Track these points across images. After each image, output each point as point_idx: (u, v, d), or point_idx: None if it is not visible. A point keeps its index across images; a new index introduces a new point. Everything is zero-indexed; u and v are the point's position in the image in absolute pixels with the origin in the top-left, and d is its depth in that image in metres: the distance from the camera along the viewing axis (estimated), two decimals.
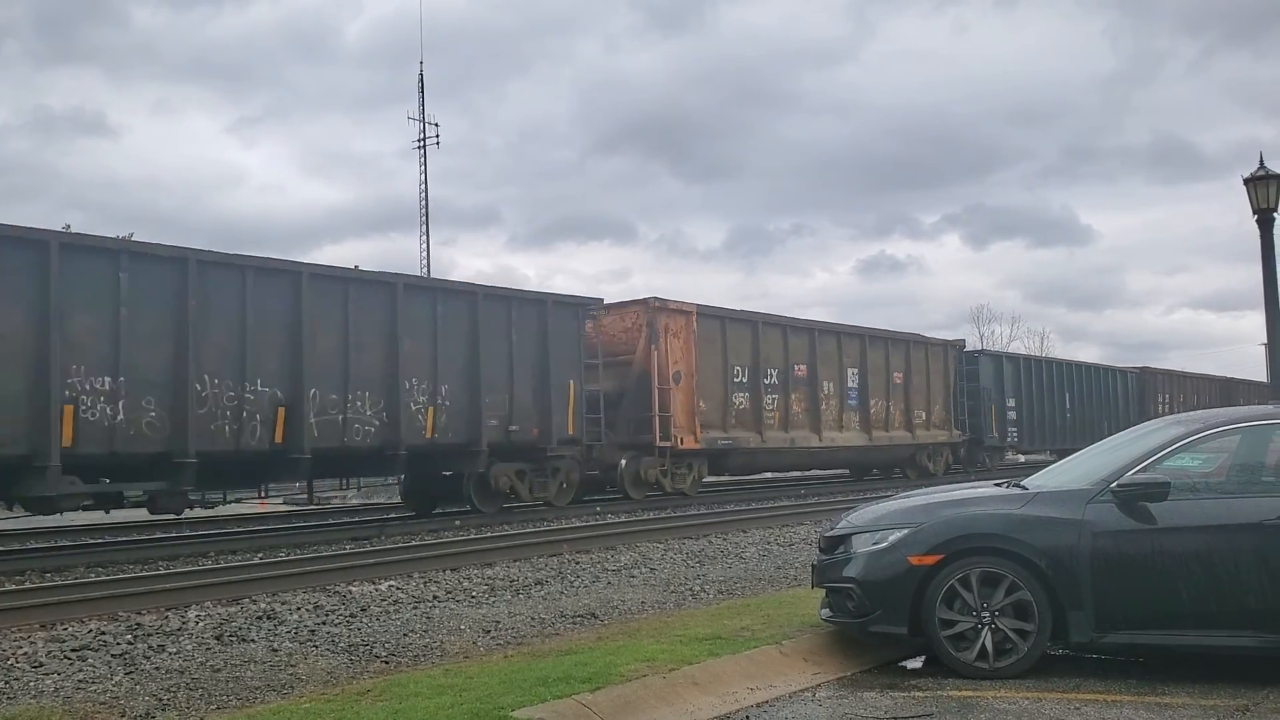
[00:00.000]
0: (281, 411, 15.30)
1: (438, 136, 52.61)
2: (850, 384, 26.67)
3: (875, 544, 6.97)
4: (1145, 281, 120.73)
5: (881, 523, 7.16)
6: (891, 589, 6.78)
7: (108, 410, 13.50)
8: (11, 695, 6.38)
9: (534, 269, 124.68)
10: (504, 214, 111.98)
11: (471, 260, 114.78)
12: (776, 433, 24.45)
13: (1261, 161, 14.97)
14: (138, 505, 15.05)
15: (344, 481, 20.98)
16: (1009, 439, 32.75)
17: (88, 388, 13.34)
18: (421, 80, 51.35)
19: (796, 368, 25.10)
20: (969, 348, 33.14)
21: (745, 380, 23.71)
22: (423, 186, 51.20)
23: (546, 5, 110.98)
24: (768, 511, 18.82)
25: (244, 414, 14.91)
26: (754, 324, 24.18)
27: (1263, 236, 15.08)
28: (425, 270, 47.68)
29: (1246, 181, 15.07)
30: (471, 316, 18.01)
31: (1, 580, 11.84)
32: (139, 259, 13.92)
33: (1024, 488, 7.20)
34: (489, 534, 16.19)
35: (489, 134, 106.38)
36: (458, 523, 17.86)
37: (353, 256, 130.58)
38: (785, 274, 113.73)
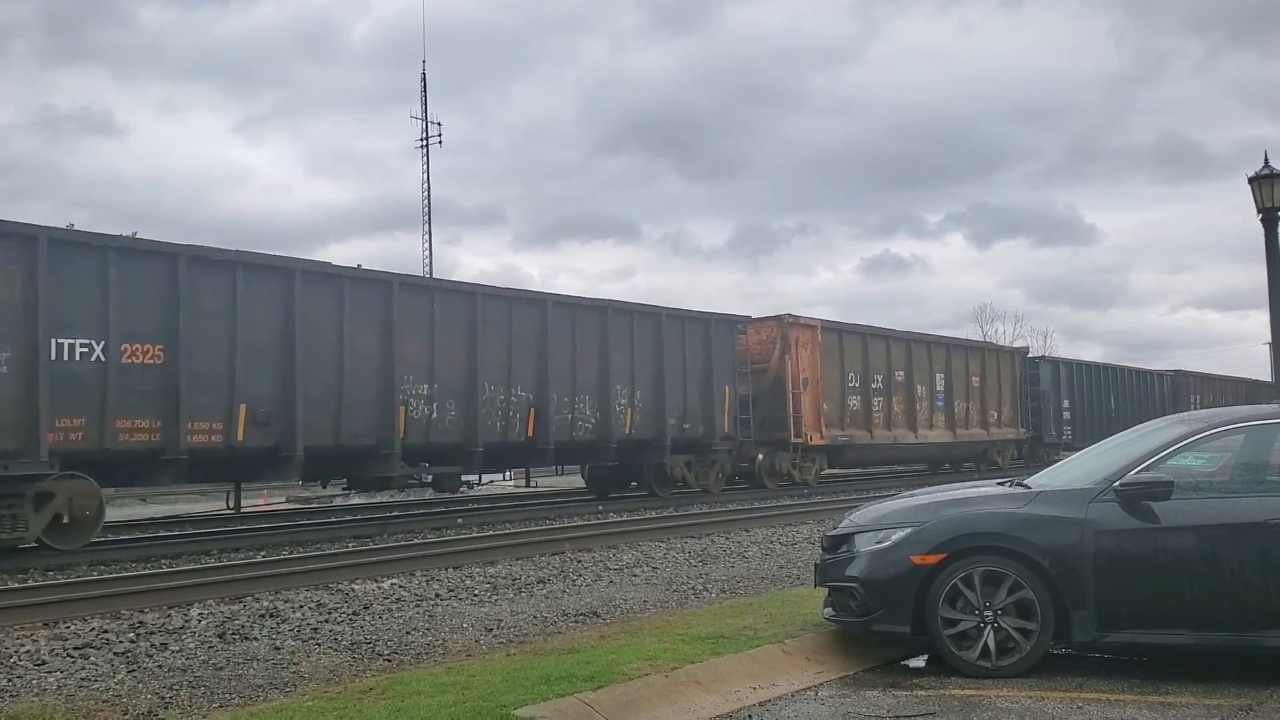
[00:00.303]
0: (532, 411, 19.37)
1: (440, 136, 52.45)
2: (939, 387, 30.10)
3: (878, 543, 6.95)
4: (1149, 281, 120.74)
5: (884, 522, 7.15)
6: (894, 588, 6.77)
7: (426, 410, 17.50)
8: (14, 693, 6.39)
9: (537, 268, 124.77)
10: (508, 213, 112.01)
11: (475, 259, 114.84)
12: (882, 430, 27.87)
13: (1266, 160, 14.92)
14: (423, 485, 19.73)
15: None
16: (1064, 436, 35.44)
17: (414, 393, 17.34)
18: (424, 79, 51.33)
19: (896, 373, 28.41)
20: (1031, 354, 37.00)
21: (857, 385, 27.09)
22: (425, 186, 51.28)
23: (551, 5, 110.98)
24: (770, 510, 18.83)
25: (510, 413, 18.95)
26: (863, 336, 27.62)
27: (1268, 236, 15.04)
28: (428, 270, 47.66)
29: (1252, 181, 15.03)
30: (657, 333, 21.90)
31: (4, 578, 11.85)
32: (446, 293, 18.34)
33: (1027, 486, 7.18)
34: (491, 532, 16.22)
35: (493, 133, 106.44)
36: (460, 521, 17.96)
37: (357, 256, 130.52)
38: (789, 273, 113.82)
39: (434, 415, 17.57)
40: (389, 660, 7.19)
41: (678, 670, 6.39)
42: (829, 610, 7.35)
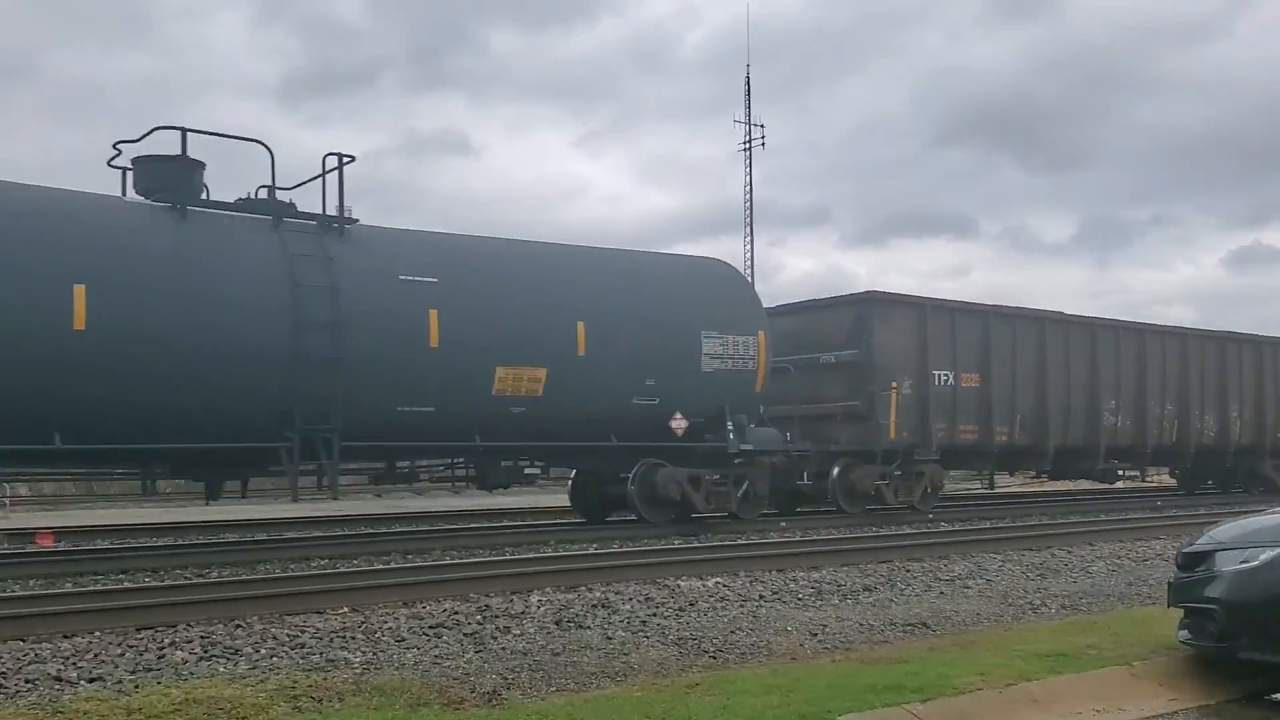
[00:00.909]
0: (1176, 423, 24.76)
1: (763, 138, 52.97)
2: None
3: (1243, 562, 6.34)
4: None
5: (1251, 539, 6.52)
6: (1262, 612, 6.15)
7: (1112, 420, 23.24)
8: (379, 666, 6.98)
9: (865, 267, 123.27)
10: (834, 212, 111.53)
11: (799, 260, 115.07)
12: None
13: None
14: (1084, 477, 24.76)
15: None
16: None
17: (1106, 408, 22.98)
18: (748, 83, 52.16)
19: None
20: None
21: None
22: (748, 189, 51.98)
23: (883, 0, 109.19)
24: (1117, 524, 17.64)
25: (1163, 424, 24.40)
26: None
27: None
28: (749, 272, 48.20)
29: None
30: (1258, 358, 26.68)
31: (371, 560, 13.03)
32: (1126, 331, 23.81)
33: None
34: (815, 537, 16.11)
35: (821, 133, 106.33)
36: (783, 524, 17.89)
37: None
38: (1141, 267, 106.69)
39: (1117, 424, 23.28)
40: (714, 658, 7.28)
41: (1012, 687, 6.09)
42: (1184, 633, 6.77)
